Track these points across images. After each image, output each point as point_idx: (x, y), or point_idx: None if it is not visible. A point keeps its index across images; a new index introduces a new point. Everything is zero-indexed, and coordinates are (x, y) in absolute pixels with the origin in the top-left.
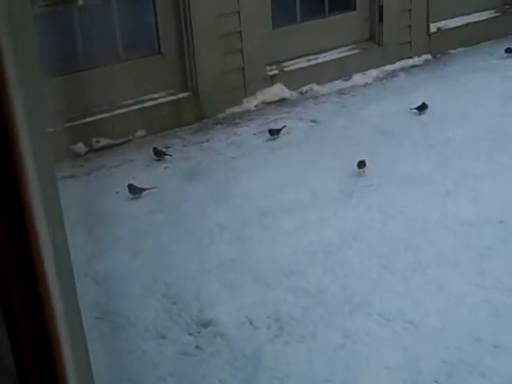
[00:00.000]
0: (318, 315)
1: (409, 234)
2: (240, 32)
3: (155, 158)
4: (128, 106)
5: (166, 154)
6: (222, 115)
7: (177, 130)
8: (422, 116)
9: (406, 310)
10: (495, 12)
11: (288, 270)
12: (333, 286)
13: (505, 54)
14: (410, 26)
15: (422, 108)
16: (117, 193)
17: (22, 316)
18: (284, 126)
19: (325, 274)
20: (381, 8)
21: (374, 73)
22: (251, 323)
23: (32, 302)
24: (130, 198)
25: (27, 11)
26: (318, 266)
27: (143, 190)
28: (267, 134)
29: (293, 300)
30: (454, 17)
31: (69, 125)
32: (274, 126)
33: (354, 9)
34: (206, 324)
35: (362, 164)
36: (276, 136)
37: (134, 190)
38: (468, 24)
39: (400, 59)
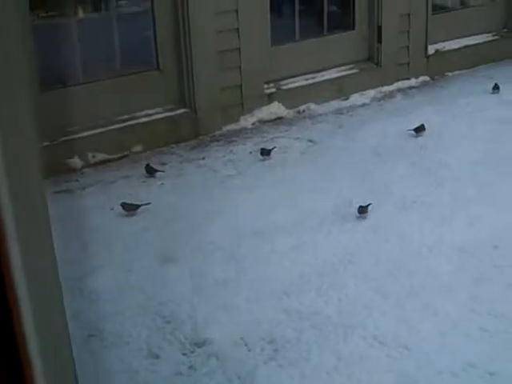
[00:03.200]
0: (312, 338)
1: (403, 258)
2: (239, 49)
3: (146, 175)
4: (125, 121)
5: (157, 171)
6: (219, 132)
7: (173, 146)
8: (419, 138)
9: (401, 334)
10: (493, 36)
11: (282, 291)
12: (327, 309)
13: (491, 91)
14: (408, 48)
15: (420, 130)
16: (112, 209)
17: None
18: (274, 147)
19: (319, 297)
20: (379, 29)
21: (371, 93)
22: (245, 344)
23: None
24: (125, 214)
25: (25, 24)
26: (312, 287)
27: (138, 206)
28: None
29: (287, 322)
30: (452, 39)
31: (65, 139)
32: (265, 146)
33: (353, 29)
34: (199, 344)
35: (363, 209)
36: (267, 156)
37: (128, 207)
38: (466, 47)
39: (398, 80)
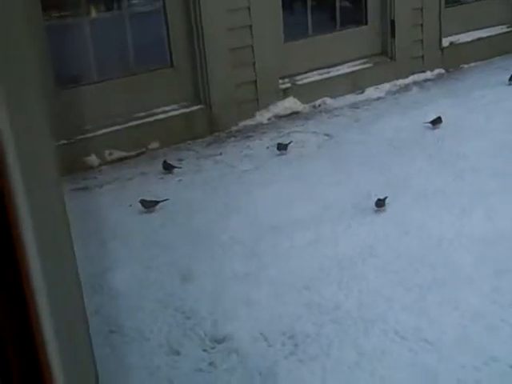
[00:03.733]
0: (332, 332)
1: (424, 251)
2: (252, 45)
3: (164, 171)
4: (141, 118)
5: (174, 167)
6: (235, 128)
7: (190, 142)
8: (436, 130)
9: (422, 327)
10: (507, 27)
11: (302, 285)
12: (347, 303)
13: (507, 82)
14: (422, 41)
15: (436, 122)
16: (130, 206)
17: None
18: (291, 142)
19: (339, 290)
20: (392, 23)
21: (386, 87)
22: (266, 339)
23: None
24: (144, 211)
25: (38, 24)
26: (333, 281)
27: (156, 203)
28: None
29: (307, 316)
30: (466, 31)
31: (82, 137)
32: (282, 141)
33: (366, 23)
34: (220, 340)
35: (381, 202)
36: (284, 151)
37: (147, 204)
38: (480, 39)
39: (413, 73)
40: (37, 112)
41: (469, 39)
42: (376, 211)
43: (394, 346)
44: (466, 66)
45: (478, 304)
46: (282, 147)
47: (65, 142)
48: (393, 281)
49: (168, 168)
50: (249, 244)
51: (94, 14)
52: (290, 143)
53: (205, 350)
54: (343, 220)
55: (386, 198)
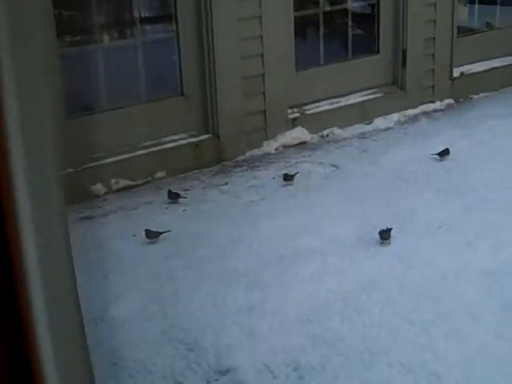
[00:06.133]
0: (337, 365)
1: (429, 284)
2: (263, 74)
3: (169, 201)
4: (148, 147)
5: (180, 197)
6: (242, 158)
7: (196, 172)
8: (444, 162)
9: (428, 360)
10: None
11: (306, 317)
12: (352, 335)
13: None
14: (432, 71)
15: (444, 154)
16: (134, 236)
17: None
18: (297, 173)
19: (343, 323)
20: (404, 52)
21: (395, 117)
22: (270, 371)
23: None
24: (148, 241)
25: (52, 50)
26: (337, 314)
27: (160, 233)
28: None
29: (311, 348)
30: (477, 62)
31: (89, 165)
32: (288, 172)
33: (378, 52)
34: (223, 372)
35: (385, 234)
36: (290, 182)
37: (151, 234)
38: (491, 69)
39: (422, 103)
40: (46, 138)
41: (480, 69)
42: (381, 244)
43: (400, 379)
44: (476, 96)
45: (483, 338)
46: (288, 178)
47: (72, 170)
48: (397, 314)
49: (173, 197)
50: (253, 276)
51: (106, 41)
52: (296, 174)
53: (208, 382)
54: (348, 253)
55: (390, 229)
